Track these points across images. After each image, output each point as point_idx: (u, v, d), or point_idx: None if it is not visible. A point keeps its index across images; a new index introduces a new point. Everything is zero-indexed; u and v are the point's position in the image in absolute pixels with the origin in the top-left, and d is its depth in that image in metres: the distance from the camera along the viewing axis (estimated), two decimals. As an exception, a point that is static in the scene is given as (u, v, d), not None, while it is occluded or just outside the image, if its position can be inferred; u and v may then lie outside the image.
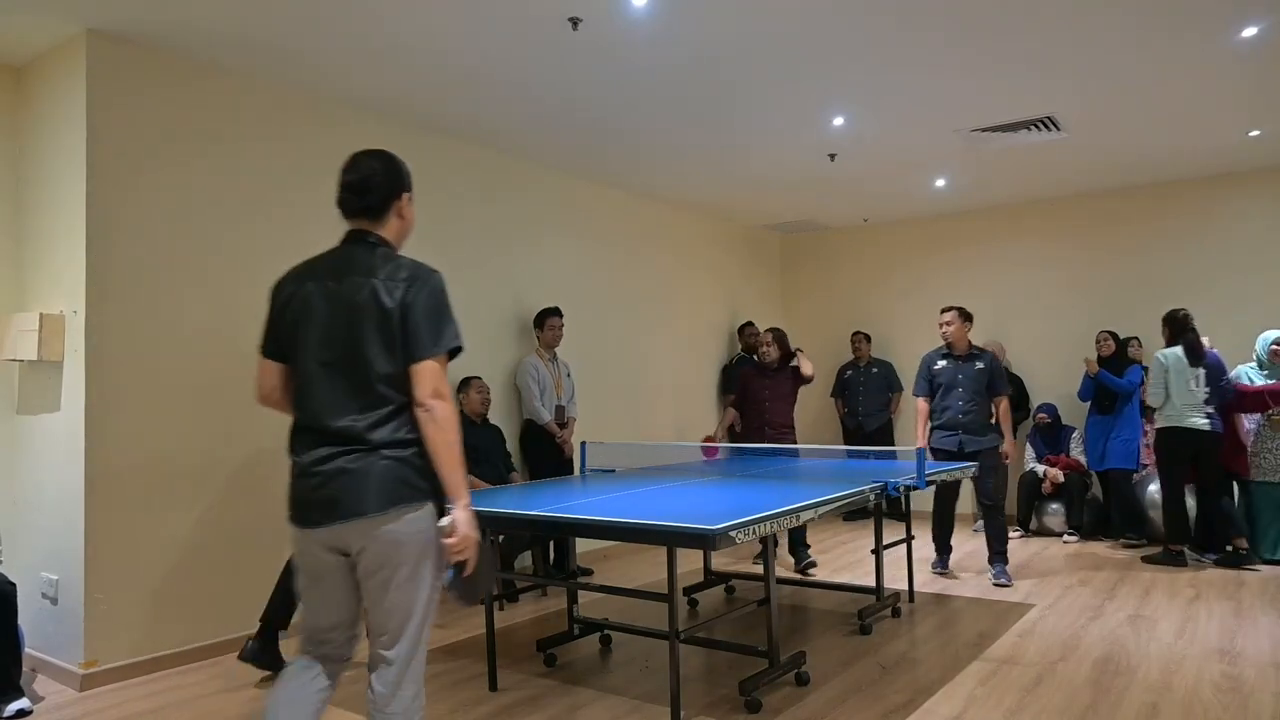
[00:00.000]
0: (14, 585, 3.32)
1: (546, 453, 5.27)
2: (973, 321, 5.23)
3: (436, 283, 2.05)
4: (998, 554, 5.08)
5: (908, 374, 7.81)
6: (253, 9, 3.50)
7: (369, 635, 2.07)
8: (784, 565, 5.60)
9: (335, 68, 4.12)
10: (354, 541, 1.99)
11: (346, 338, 2.01)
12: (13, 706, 3.19)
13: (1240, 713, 3.01)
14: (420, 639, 2.06)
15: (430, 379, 1.98)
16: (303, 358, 2.05)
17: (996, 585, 4.98)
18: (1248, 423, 5.63)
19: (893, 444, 7.63)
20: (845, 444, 7.79)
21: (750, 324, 7.58)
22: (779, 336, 5.46)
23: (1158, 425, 5.56)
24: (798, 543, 5.39)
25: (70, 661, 3.57)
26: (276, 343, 2.11)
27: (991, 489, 5.08)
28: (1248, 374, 5.61)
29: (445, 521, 1.99)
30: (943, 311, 5.21)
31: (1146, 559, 5.58)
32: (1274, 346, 5.54)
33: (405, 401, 2.01)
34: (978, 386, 5.10)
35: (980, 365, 5.15)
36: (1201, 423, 5.33)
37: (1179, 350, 5.44)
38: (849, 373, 7.85)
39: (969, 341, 5.21)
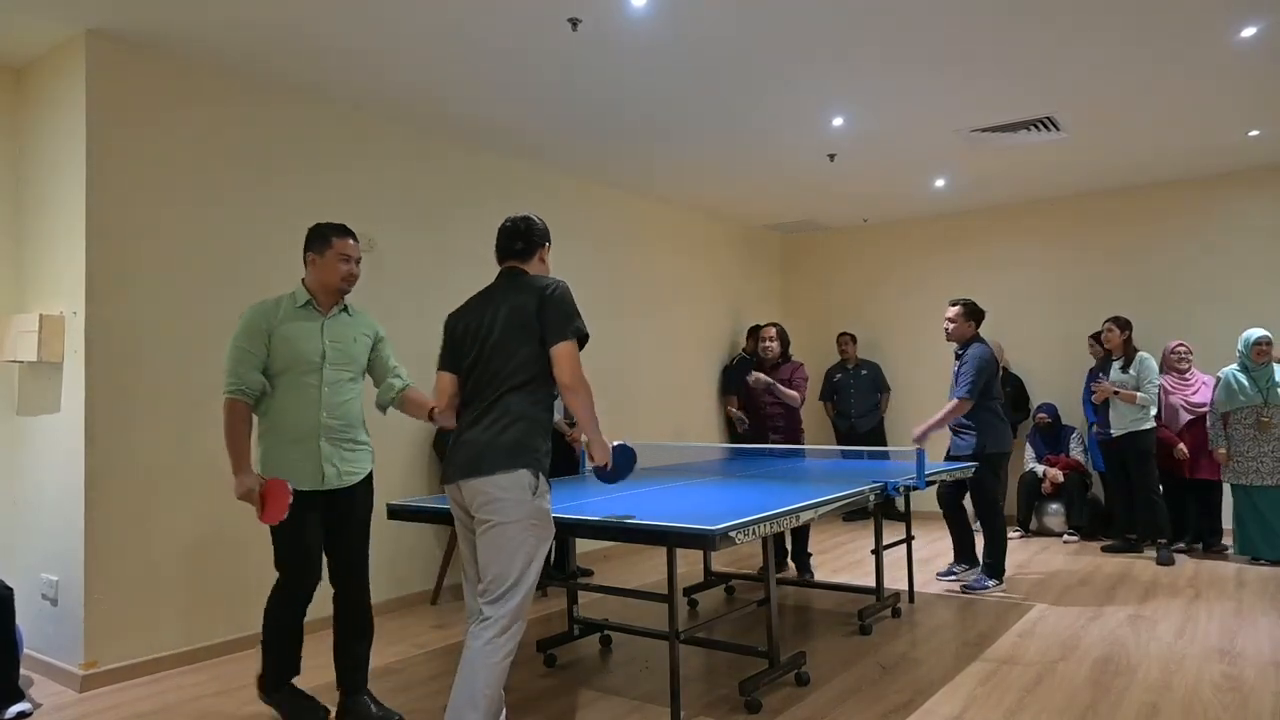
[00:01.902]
0: (11, 590, 3.32)
1: (556, 452, 5.27)
2: (979, 318, 4.99)
3: (565, 288, 2.60)
4: (980, 561, 5.01)
5: (906, 374, 7.82)
6: (252, 10, 3.50)
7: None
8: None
9: (334, 69, 4.12)
10: (465, 497, 2.53)
11: (485, 343, 2.61)
12: (13, 709, 3.18)
13: (1240, 713, 3.01)
14: (509, 599, 2.43)
15: (567, 361, 2.53)
16: (465, 364, 2.68)
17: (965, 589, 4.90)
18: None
19: (885, 445, 7.61)
20: (839, 445, 7.78)
21: (759, 327, 7.53)
22: (782, 333, 5.30)
23: (1144, 426, 5.59)
24: (800, 553, 5.32)
25: (70, 662, 3.57)
26: (450, 359, 2.74)
27: (973, 497, 4.91)
28: (1235, 377, 5.58)
29: (584, 443, 2.71)
30: (949, 305, 5.01)
31: (1161, 561, 5.55)
32: (1258, 346, 5.51)
33: (513, 386, 2.54)
34: (954, 385, 4.93)
35: (958, 364, 4.91)
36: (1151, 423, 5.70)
37: (1148, 356, 5.71)
38: (838, 375, 7.84)
39: (973, 336, 4.95)
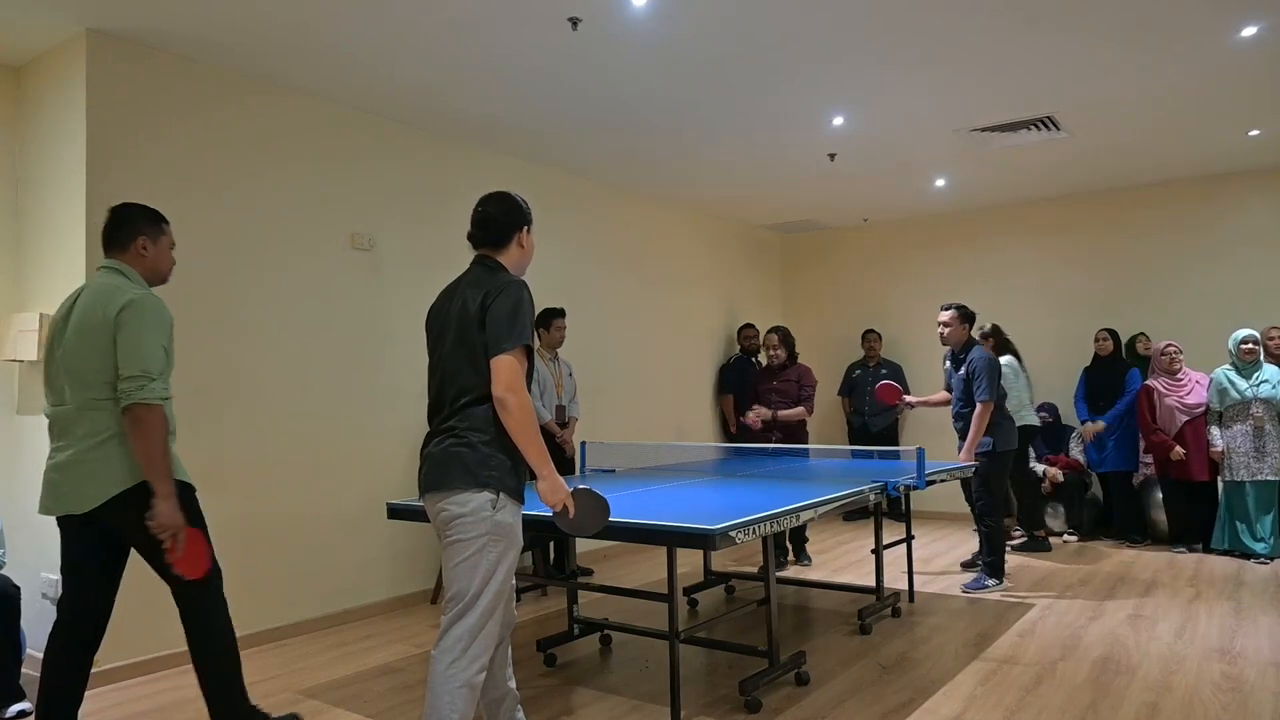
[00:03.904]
0: (18, 588, 3.33)
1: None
2: (972, 321, 5.03)
3: (515, 290, 2.37)
4: (980, 562, 5.04)
5: (907, 373, 7.82)
6: (252, 9, 3.50)
7: None
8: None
9: (334, 69, 4.12)
10: (431, 513, 2.41)
11: (443, 344, 2.45)
12: (14, 708, 3.19)
13: (1240, 713, 3.01)
14: (468, 616, 2.31)
15: (504, 374, 2.30)
16: (429, 366, 2.54)
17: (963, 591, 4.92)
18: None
19: (897, 446, 7.60)
20: (850, 443, 7.75)
21: (750, 325, 7.55)
22: (785, 337, 5.33)
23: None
24: (796, 538, 5.35)
25: (70, 662, 3.57)
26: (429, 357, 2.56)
27: (972, 498, 5.00)
28: (1226, 376, 5.67)
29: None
30: (942, 309, 5.03)
31: (1016, 547, 5.91)
32: (1244, 345, 5.63)
33: (475, 398, 2.36)
34: (960, 391, 4.97)
35: (962, 370, 4.97)
36: (1035, 419, 6.10)
37: (1011, 359, 5.98)
38: (857, 372, 7.79)
39: (970, 341, 5.00)
